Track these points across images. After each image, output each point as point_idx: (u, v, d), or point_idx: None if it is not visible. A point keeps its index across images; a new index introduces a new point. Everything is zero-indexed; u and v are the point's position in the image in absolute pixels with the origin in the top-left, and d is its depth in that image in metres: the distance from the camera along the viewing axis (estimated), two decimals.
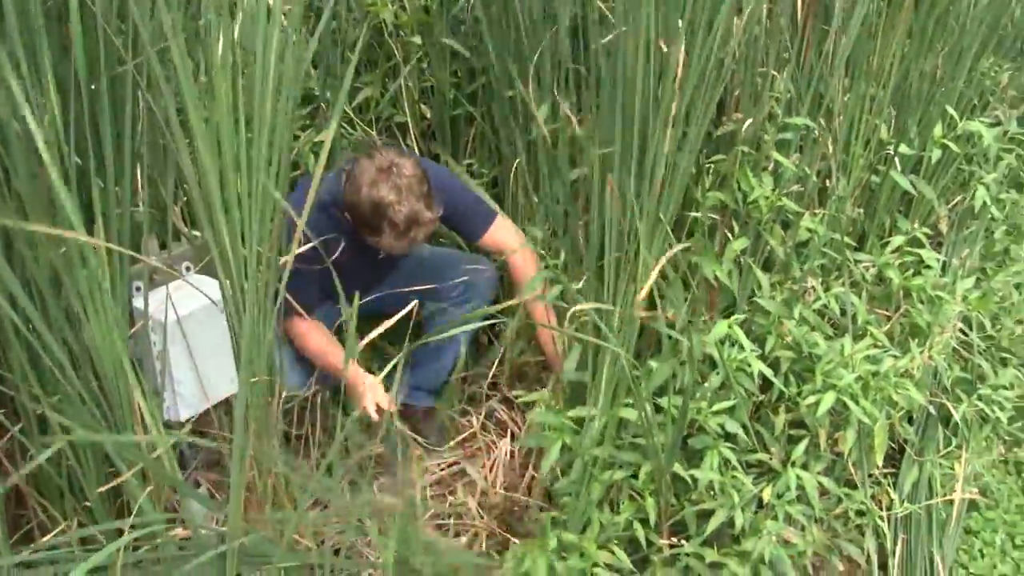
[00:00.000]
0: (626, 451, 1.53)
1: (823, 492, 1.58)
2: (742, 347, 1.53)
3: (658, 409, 1.53)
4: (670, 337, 1.53)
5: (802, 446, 1.54)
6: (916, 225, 1.94)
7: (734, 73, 1.61)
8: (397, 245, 1.61)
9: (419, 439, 1.86)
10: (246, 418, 1.17)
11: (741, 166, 1.62)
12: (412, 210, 1.54)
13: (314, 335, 1.65)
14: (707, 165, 1.67)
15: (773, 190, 1.64)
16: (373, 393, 1.62)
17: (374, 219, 1.56)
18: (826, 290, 1.70)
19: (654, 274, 1.30)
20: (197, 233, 1.33)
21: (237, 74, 1.09)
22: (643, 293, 1.29)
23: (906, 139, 1.92)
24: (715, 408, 1.52)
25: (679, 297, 1.55)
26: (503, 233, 1.80)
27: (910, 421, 1.74)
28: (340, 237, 1.59)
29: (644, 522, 1.48)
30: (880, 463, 1.60)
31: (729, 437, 1.54)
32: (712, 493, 1.50)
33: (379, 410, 1.61)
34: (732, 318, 1.55)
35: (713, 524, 1.44)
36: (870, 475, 1.67)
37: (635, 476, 1.51)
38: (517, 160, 1.83)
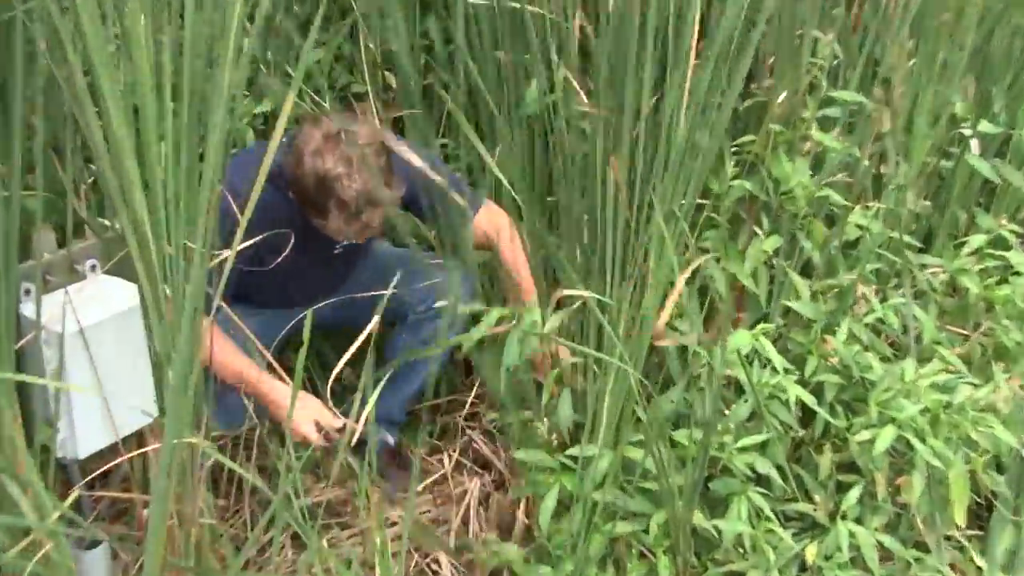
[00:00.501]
0: (634, 497, 1.53)
1: (884, 554, 1.55)
2: (775, 369, 1.54)
3: (673, 445, 1.53)
4: (685, 354, 1.53)
5: (854, 494, 1.52)
6: (1001, 221, 1.88)
7: (766, 35, 1.62)
8: (347, 231, 1.59)
9: (378, 484, 1.87)
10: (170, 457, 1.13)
11: (773, 149, 1.62)
12: (365, 186, 1.51)
13: (219, 337, 1.61)
14: (731, 148, 1.67)
15: (813, 177, 1.64)
16: (310, 411, 1.59)
17: (319, 196, 1.53)
18: (882, 301, 1.68)
19: (680, 283, 1.28)
20: (107, 223, 1.30)
21: (159, 26, 1.06)
22: (664, 316, 1.28)
23: (988, 114, 1.86)
24: (742, 443, 1.52)
25: (694, 309, 1.55)
26: (491, 222, 1.78)
27: (999, 469, 1.67)
28: (292, 223, 1.58)
29: None
30: (962, 522, 1.52)
31: (761, 481, 1.54)
32: (742, 551, 1.50)
33: (326, 435, 1.59)
34: (759, 327, 1.54)
35: None
36: (948, 537, 1.62)
37: (646, 529, 1.52)
38: (506, 139, 1.85)
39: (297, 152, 1.55)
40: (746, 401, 1.55)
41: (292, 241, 1.54)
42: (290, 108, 1.08)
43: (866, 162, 1.70)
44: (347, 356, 1.18)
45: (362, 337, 1.16)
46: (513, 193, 1.54)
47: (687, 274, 1.23)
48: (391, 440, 1.93)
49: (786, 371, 1.54)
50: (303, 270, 1.67)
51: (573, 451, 1.54)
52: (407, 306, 1.85)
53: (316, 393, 1.77)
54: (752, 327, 1.60)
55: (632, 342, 1.52)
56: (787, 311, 1.70)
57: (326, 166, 1.52)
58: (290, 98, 1.11)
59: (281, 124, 1.07)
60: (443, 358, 1.92)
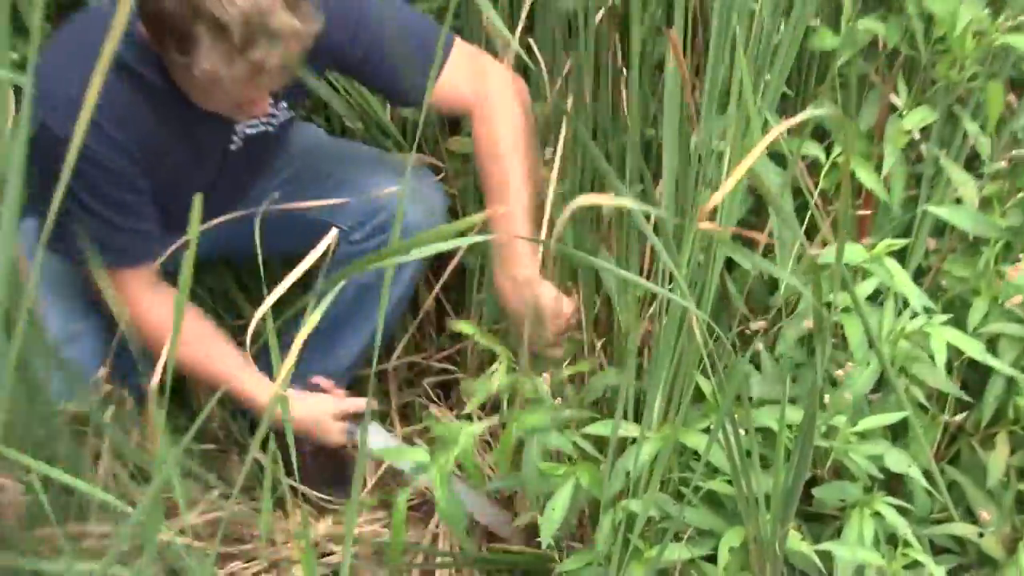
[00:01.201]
0: (695, 506, 1.48)
1: None
2: (916, 312, 1.50)
3: (757, 430, 1.46)
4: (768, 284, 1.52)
5: None
6: None
7: None
8: (230, 80, 1.54)
9: (307, 484, 1.93)
10: None
11: None
12: (257, 6, 1.47)
13: (165, 316, 1.67)
14: None
15: (991, 17, 1.58)
16: (322, 407, 1.77)
17: (183, 18, 1.49)
18: None
19: (756, 153, 1.19)
20: None
21: None
22: (721, 192, 1.19)
23: None
24: (864, 426, 1.47)
25: (790, 216, 1.48)
26: (473, 76, 1.76)
27: None
28: (149, 113, 1.60)
29: None
30: None
31: (894, 487, 1.51)
32: None
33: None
34: (885, 243, 1.48)
35: None
36: None
37: (712, 556, 1.46)
38: None
39: None
40: (868, 364, 1.48)
41: (158, 136, 1.57)
42: None
43: None
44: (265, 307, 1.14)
45: (282, 286, 1.15)
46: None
47: (767, 144, 1.12)
48: None
49: (930, 312, 1.51)
50: (186, 179, 1.68)
51: (598, 427, 1.48)
52: (339, 234, 1.81)
53: None
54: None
55: (697, 271, 1.49)
56: (940, 227, 1.65)
57: None
58: None
59: None
60: (398, 307, 1.95)
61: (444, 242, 1.19)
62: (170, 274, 1.88)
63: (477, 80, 1.75)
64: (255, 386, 1.72)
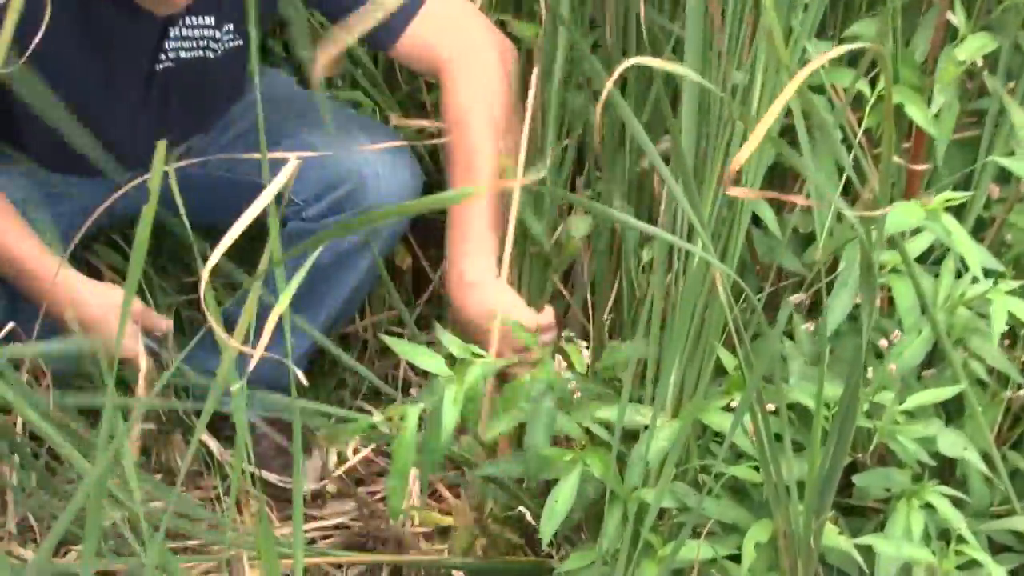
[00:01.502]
0: (718, 496, 1.48)
1: None
2: (976, 276, 1.49)
3: (789, 408, 1.47)
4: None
5: None
6: None
7: None
8: None
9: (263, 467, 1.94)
10: None
11: None
12: None
13: None
14: None
15: None
16: (117, 316, 1.64)
17: None
18: None
19: (787, 95, 1.19)
20: None
21: None
22: (750, 145, 1.20)
23: None
24: (913, 404, 1.46)
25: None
26: (443, 28, 1.76)
27: None
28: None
29: None
30: None
31: (947, 475, 1.51)
32: None
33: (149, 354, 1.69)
34: (942, 197, 1.47)
35: None
36: None
37: (736, 554, 1.45)
38: None
39: None
40: (919, 333, 1.48)
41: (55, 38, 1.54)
42: None
43: None
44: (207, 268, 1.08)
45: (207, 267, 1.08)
46: None
47: (799, 81, 1.12)
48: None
49: (998, 278, 1.49)
50: (98, 105, 1.68)
51: (607, 413, 1.48)
52: (291, 208, 1.88)
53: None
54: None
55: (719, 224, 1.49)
56: (1006, 173, 1.63)
57: None
58: None
59: None
60: (361, 287, 1.97)
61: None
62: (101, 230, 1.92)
63: (454, 35, 1.74)
64: (37, 261, 1.68)
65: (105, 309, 1.67)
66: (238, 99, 1.88)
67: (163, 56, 1.70)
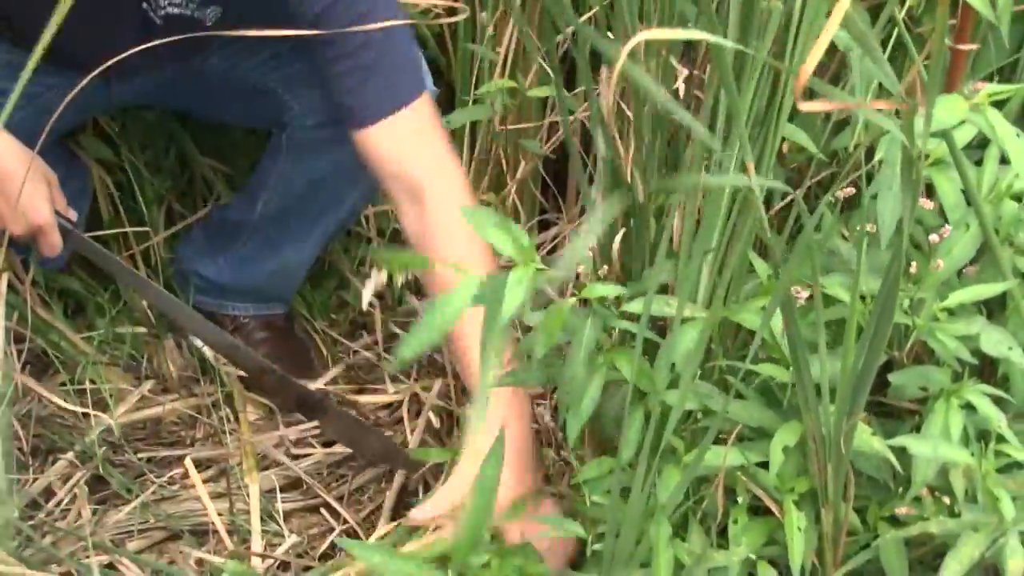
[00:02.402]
0: (746, 397, 1.46)
1: None
2: (1019, 172, 1.45)
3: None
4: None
5: None
6: None
7: None
8: None
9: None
10: None
11: None
12: None
13: None
14: None
15: None
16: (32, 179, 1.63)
17: None
18: None
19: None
20: None
21: None
22: (815, 54, 1.15)
23: None
24: (955, 300, 1.43)
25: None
26: (419, 140, 1.70)
27: None
28: None
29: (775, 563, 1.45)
30: None
31: (986, 373, 1.47)
32: (947, 500, 1.42)
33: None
34: (987, 90, 1.44)
35: (950, 573, 1.33)
36: None
37: (764, 461, 1.43)
38: None
39: None
40: (967, 227, 1.44)
41: None
42: None
43: None
44: None
45: None
46: None
47: None
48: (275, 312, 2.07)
49: None
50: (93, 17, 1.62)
51: (633, 306, 1.42)
52: (291, 113, 1.89)
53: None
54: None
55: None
56: None
57: None
58: None
59: None
60: (362, 199, 1.99)
61: None
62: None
63: (430, 157, 1.66)
64: None
65: (20, 165, 1.59)
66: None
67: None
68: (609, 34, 1.55)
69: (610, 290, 1.42)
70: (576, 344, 1.43)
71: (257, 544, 1.71)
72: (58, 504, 1.73)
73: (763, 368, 1.41)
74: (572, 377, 1.43)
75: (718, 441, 1.42)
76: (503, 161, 2.04)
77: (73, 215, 1.71)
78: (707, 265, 1.47)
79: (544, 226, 2.17)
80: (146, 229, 2.03)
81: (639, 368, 1.39)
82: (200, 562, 1.68)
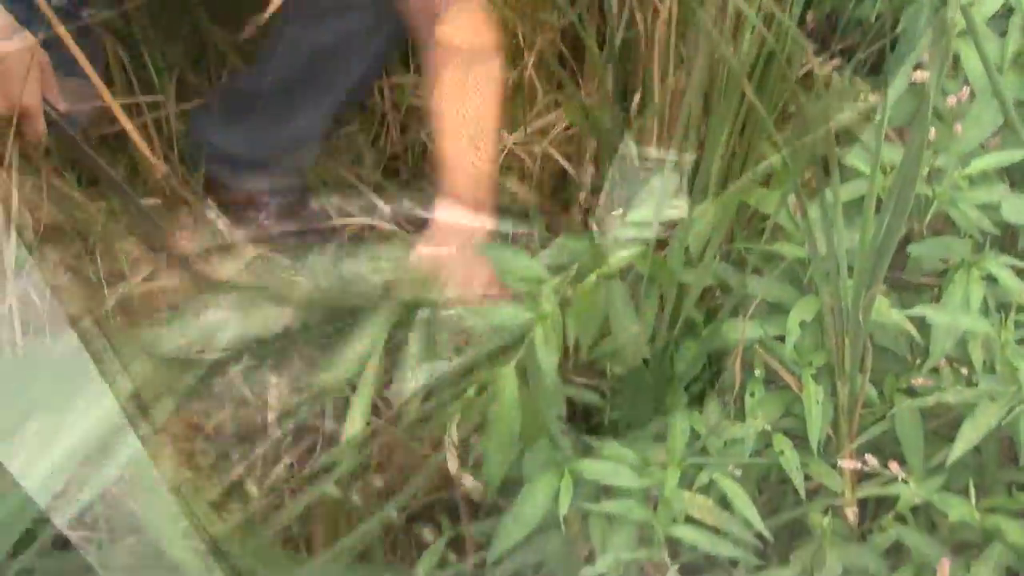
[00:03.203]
0: (761, 278, 1.46)
1: None
2: None
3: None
4: None
5: None
6: None
7: None
8: None
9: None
10: None
11: None
12: None
13: None
14: None
15: None
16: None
17: None
18: None
19: None
20: None
21: None
22: None
23: None
24: (976, 168, 1.42)
25: None
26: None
27: None
28: None
29: (790, 435, 1.43)
30: None
31: (1008, 244, 1.45)
32: (963, 370, 1.41)
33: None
34: None
35: (965, 441, 1.33)
36: None
37: (780, 335, 1.43)
38: None
39: None
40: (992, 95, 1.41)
41: None
42: None
43: None
44: None
45: None
46: None
47: None
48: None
49: None
50: None
51: (644, 213, 1.44)
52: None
53: None
54: None
55: None
56: None
57: None
58: None
59: None
60: (372, 70, 1.96)
61: None
62: None
63: (472, 24, 1.72)
64: None
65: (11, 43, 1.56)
66: None
67: None
68: None
69: None
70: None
71: None
72: None
73: (780, 246, 1.42)
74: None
75: (733, 314, 1.44)
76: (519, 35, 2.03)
77: (62, 107, 1.68)
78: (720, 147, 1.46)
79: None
80: (159, 98, 2.02)
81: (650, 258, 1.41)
82: None
